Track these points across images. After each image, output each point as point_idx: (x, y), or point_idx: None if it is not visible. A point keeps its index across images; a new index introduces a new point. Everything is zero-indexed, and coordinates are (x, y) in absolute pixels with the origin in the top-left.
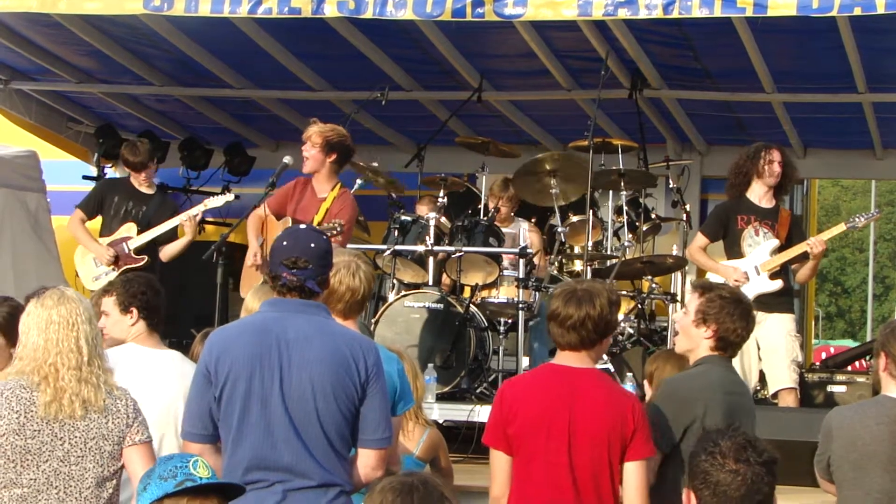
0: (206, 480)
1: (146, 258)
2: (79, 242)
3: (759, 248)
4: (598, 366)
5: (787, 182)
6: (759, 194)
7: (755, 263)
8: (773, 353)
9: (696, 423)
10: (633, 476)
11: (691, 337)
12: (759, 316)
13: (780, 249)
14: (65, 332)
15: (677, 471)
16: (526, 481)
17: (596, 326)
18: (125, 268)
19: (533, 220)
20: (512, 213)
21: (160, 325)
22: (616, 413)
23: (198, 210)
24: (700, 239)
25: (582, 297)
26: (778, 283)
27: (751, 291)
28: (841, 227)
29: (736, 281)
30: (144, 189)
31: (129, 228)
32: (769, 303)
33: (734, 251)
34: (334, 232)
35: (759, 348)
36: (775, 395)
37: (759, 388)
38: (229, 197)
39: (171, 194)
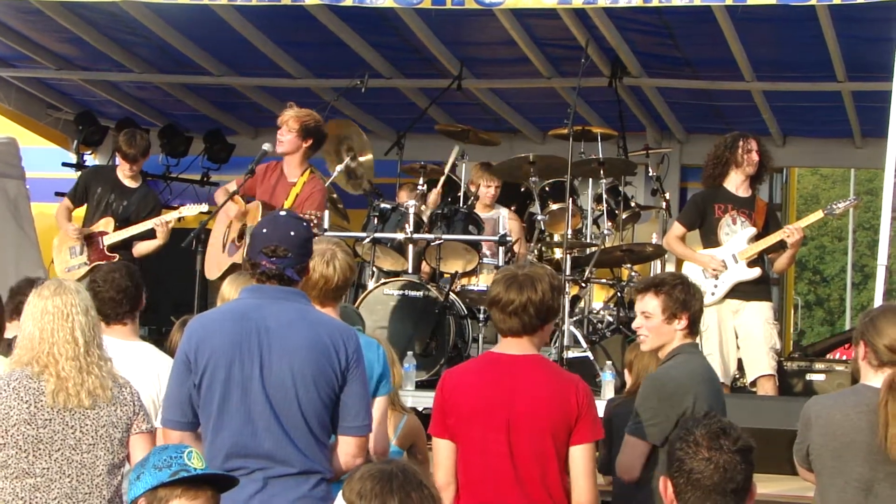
0: (201, 471)
1: (117, 256)
2: (57, 225)
3: (737, 236)
4: (578, 354)
5: (763, 171)
6: (735, 184)
7: (733, 252)
8: (751, 340)
9: (687, 412)
10: (580, 460)
11: (664, 334)
12: (737, 304)
13: (758, 238)
14: (59, 322)
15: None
16: (467, 472)
17: (538, 312)
18: (96, 263)
19: (513, 208)
20: (495, 197)
21: (117, 317)
22: (559, 399)
23: (171, 217)
24: (677, 228)
25: (523, 282)
26: (756, 271)
27: (729, 280)
28: (819, 214)
29: (714, 269)
30: (128, 182)
31: (106, 223)
32: (747, 291)
33: (711, 240)
34: (312, 223)
35: (737, 336)
36: (754, 383)
37: (737, 375)
38: (203, 207)
39: (150, 181)
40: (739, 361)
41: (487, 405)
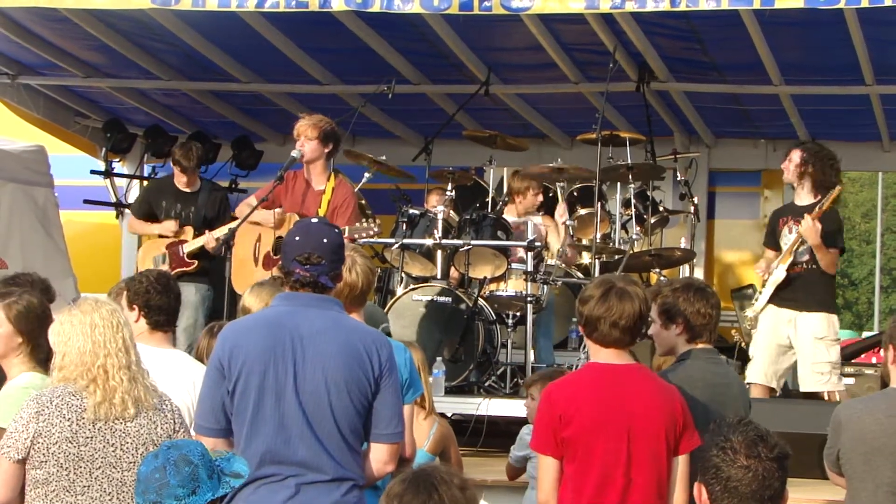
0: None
1: (196, 263)
2: (142, 232)
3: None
4: None
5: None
6: (800, 194)
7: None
8: (799, 355)
9: None
10: (683, 468)
11: (664, 339)
12: (790, 315)
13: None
14: (111, 333)
15: None
16: (583, 484)
17: (643, 323)
18: (177, 270)
19: (541, 213)
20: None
21: (166, 324)
22: (669, 408)
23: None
24: (766, 251)
25: (632, 295)
26: (780, 273)
27: (770, 285)
28: (836, 190)
29: (761, 271)
30: (187, 188)
31: (186, 232)
32: (798, 300)
33: (779, 252)
34: (371, 233)
35: (790, 349)
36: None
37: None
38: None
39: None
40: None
41: (606, 416)
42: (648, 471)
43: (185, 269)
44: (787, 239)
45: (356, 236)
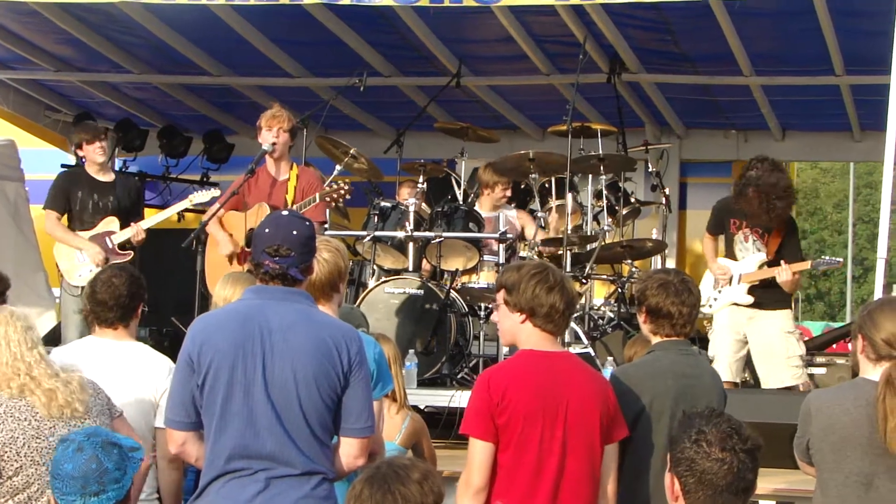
0: None
1: (132, 253)
2: (63, 242)
3: (750, 257)
4: (579, 350)
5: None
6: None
7: (741, 272)
8: (768, 353)
9: (644, 411)
10: (612, 457)
11: (640, 324)
12: (752, 312)
13: (769, 264)
14: (25, 348)
15: (633, 459)
16: (517, 470)
17: (574, 310)
18: (111, 263)
19: (513, 205)
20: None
21: (110, 322)
22: (601, 396)
23: (183, 206)
24: (706, 236)
25: (567, 285)
26: (748, 300)
27: (726, 298)
28: (807, 265)
29: (722, 276)
30: (102, 177)
31: (110, 222)
32: (763, 300)
33: (730, 253)
34: (342, 192)
35: (746, 343)
36: None
37: (746, 377)
38: (214, 192)
39: (149, 181)
40: (753, 371)
41: (543, 402)
42: (582, 459)
43: (120, 260)
44: (742, 247)
45: (328, 199)
